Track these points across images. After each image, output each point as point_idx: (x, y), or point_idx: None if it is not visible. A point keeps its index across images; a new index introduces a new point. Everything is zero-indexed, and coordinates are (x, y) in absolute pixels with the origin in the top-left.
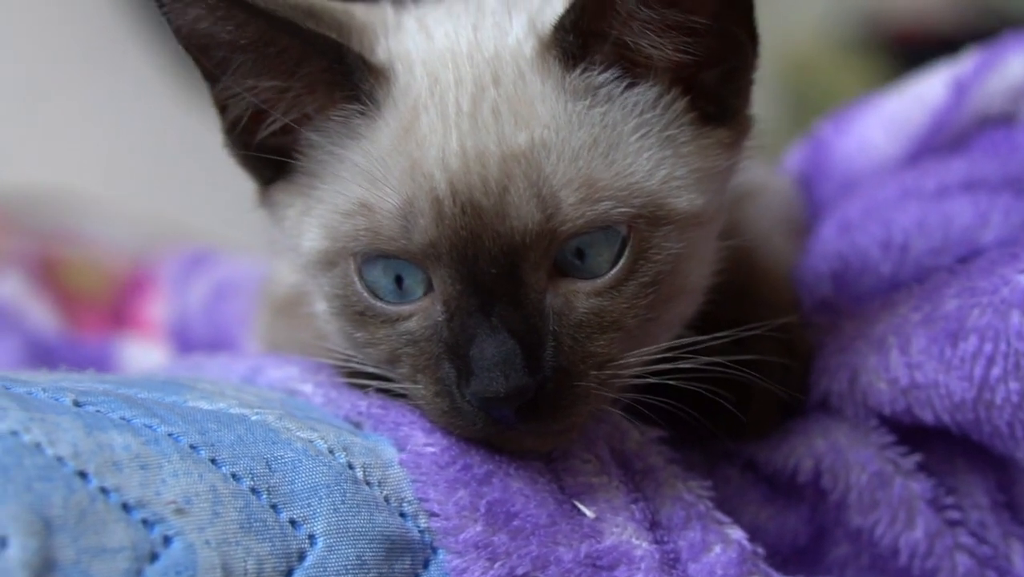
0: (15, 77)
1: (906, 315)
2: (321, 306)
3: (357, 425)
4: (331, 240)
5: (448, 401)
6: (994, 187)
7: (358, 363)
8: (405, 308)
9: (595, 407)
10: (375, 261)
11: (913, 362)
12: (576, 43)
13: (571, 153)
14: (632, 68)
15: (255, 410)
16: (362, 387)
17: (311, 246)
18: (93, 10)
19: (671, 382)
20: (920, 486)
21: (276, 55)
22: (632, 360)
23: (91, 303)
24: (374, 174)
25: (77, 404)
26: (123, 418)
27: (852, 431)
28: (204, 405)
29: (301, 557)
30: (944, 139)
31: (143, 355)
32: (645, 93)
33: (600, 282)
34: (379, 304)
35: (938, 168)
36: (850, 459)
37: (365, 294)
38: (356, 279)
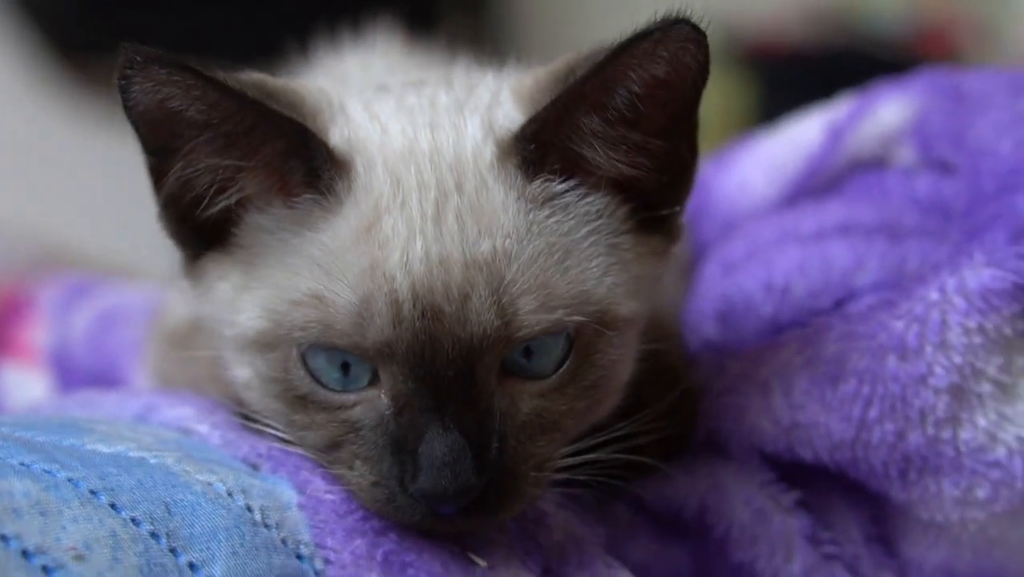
0: None
1: (789, 358)
2: (245, 380)
3: (255, 467)
4: (274, 324)
5: (387, 492)
6: (869, 231)
7: (283, 435)
8: (350, 397)
9: (529, 504)
10: (321, 350)
11: (795, 403)
12: (536, 153)
13: (530, 261)
14: (586, 178)
15: (154, 453)
16: (259, 432)
17: (249, 325)
18: None
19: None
20: (799, 522)
21: (241, 135)
22: (564, 459)
23: None
24: (330, 268)
25: None
26: (23, 464)
27: (736, 469)
28: (103, 448)
29: None
30: (819, 181)
31: (22, 382)
32: (595, 202)
33: (545, 383)
34: (322, 391)
35: (815, 210)
36: (733, 497)
37: (308, 380)
38: (299, 365)
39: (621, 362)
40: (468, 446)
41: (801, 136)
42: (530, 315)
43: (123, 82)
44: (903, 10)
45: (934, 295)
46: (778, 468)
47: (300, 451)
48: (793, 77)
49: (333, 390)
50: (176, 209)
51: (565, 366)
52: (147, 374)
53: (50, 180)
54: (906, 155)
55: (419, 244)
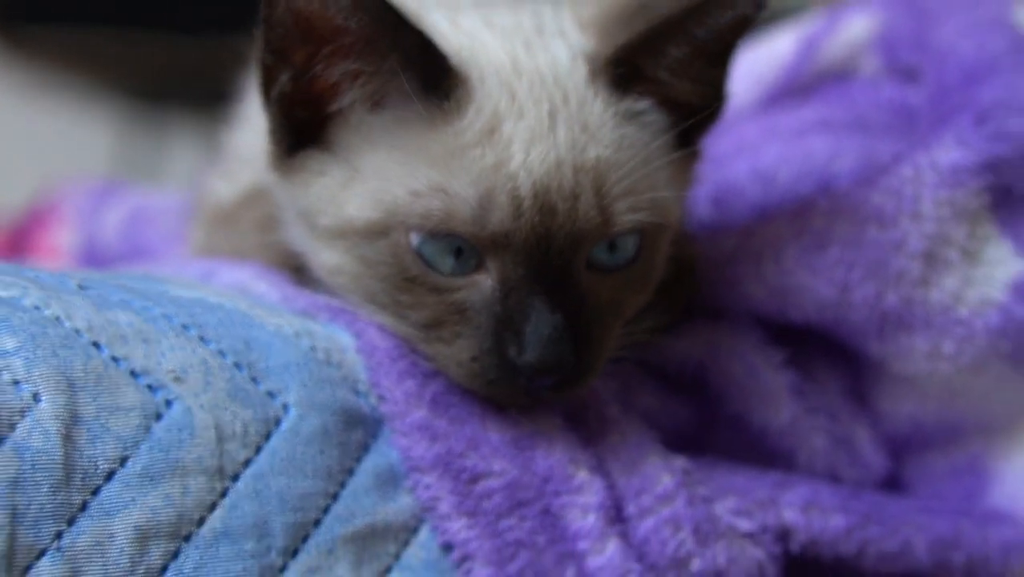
0: None
1: (779, 231)
2: (336, 264)
3: (312, 318)
4: (387, 214)
5: (483, 367)
6: (843, 128)
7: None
8: (457, 281)
9: (596, 378)
10: (436, 237)
11: (786, 269)
12: (624, 75)
13: (622, 169)
14: (656, 99)
15: (228, 299)
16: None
17: (357, 215)
18: None
19: None
20: (786, 378)
21: (370, 42)
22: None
23: None
24: (452, 165)
25: (81, 287)
26: (122, 300)
27: (730, 332)
28: (184, 293)
29: (278, 423)
30: (792, 89)
31: None
32: (660, 121)
33: (620, 275)
34: (432, 274)
35: (793, 112)
36: (728, 355)
37: (420, 264)
38: (411, 250)
39: (664, 257)
40: (567, 326)
41: (777, 48)
42: (622, 215)
43: None
44: None
45: (908, 171)
46: (768, 330)
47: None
48: None
49: (442, 273)
50: (282, 106)
51: (636, 260)
52: (191, 251)
53: None
54: (872, 63)
55: (539, 149)
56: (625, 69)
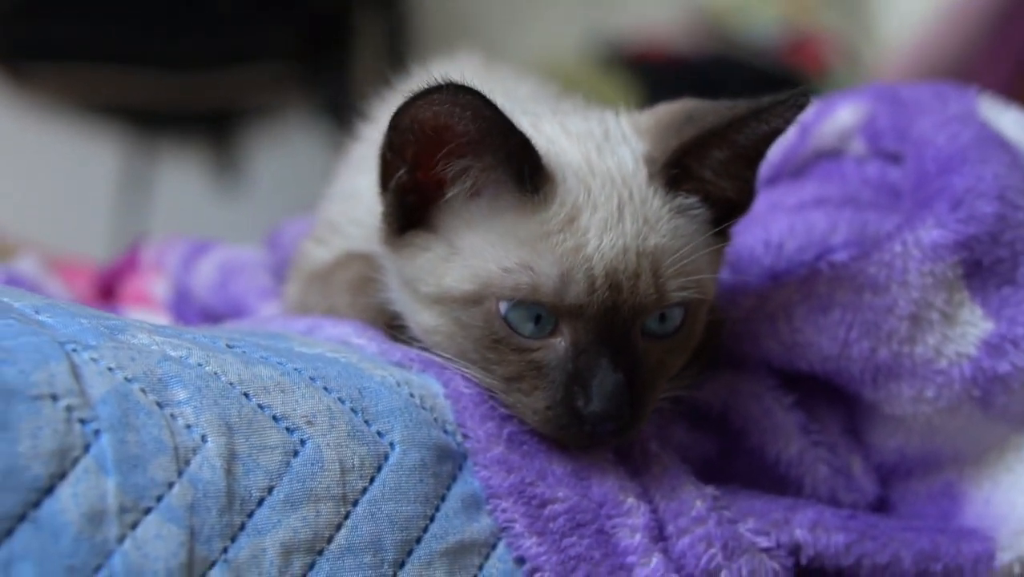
0: None
1: (790, 295)
2: (433, 325)
3: (407, 369)
4: (481, 285)
5: (556, 415)
6: (837, 203)
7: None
8: (535, 342)
9: (643, 425)
10: (522, 306)
11: (795, 328)
12: (677, 175)
13: (675, 255)
14: (700, 195)
15: (341, 354)
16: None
17: (455, 286)
18: None
19: None
20: (795, 417)
21: (483, 142)
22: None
23: None
24: (538, 246)
25: (229, 346)
26: (262, 357)
27: (749, 379)
28: (306, 350)
29: (386, 458)
30: (791, 167)
31: (146, 317)
32: (703, 213)
33: (667, 341)
34: (516, 337)
35: (794, 189)
36: (747, 398)
37: (506, 328)
38: (499, 317)
39: (702, 326)
40: (625, 384)
41: None
42: (673, 292)
43: (416, 99)
44: (775, 23)
45: (898, 248)
46: (780, 377)
47: (438, 359)
48: (672, 80)
49: (523, 336)
50: (397, 195)
51: (681, 329)
52: (286, 305)
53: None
54: (857, 147)
55: (610, 236)
56: (678, 170)
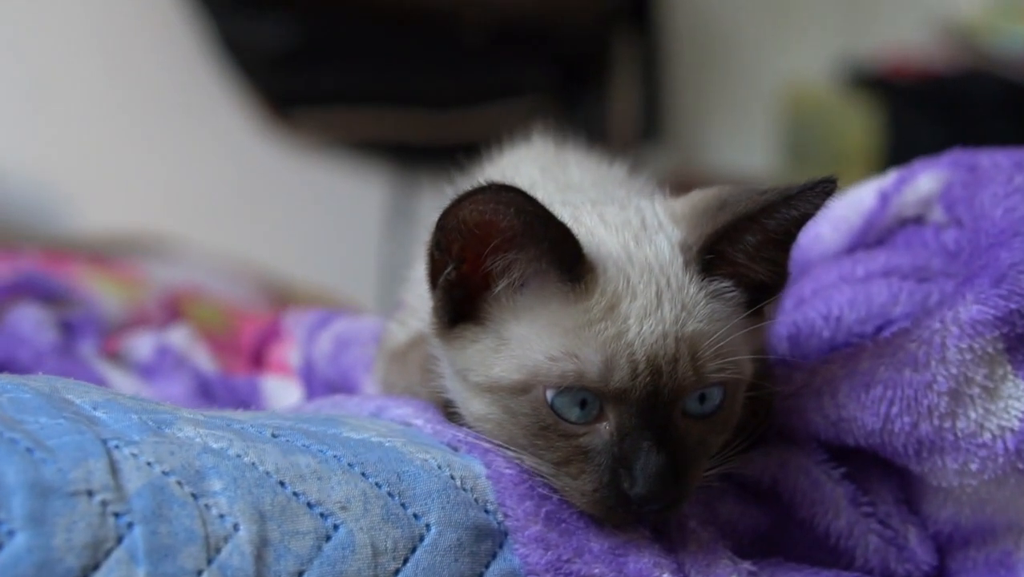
0: (115, 125)
1: (835, 371)
2: (483, 413)
3: (455, 449)
4: (529, 375)
5: (603, 496)
6: (904, 274)
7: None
8: (581, 428)
9: (687, 503)
10: (568, 392)
11: (840, 404)
12: (711, 261)
13: (712, 338)
14: (735, 278)
15: (387, 439)
16: (458, 424)
17: (504, 376)
18: (182, 60)
19: None
20: (844, 489)
21: (527, 237)
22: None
23: (219, 340)
24: (582, 335)
25: (274, 436)
26: (304, 445)
27: (798, 452)
28: (353, 436)
29: (421, 539)
30: (873, 235)
31: (283, 389)
32: (738, 296)
33: (708, 420)
34: (563, 423)
35: (866, 259)
36: (796, 471)
37: (552, 415)
38: (546, 404)
39: (740, 403)
40: (669, 465)
41: (859, 199)
42: (711, 374)
43: (461, 200)
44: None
45: (937, 324)
46: (829, 450)
47: (484, 439)
48: (921, 98)
49: (570, 422)
50: (445, 291)
51: (720, 409)
52: (375, 382)
53: (247, 205)
54: (937, 214)
55: (650, 323)
56: (712, 255)
